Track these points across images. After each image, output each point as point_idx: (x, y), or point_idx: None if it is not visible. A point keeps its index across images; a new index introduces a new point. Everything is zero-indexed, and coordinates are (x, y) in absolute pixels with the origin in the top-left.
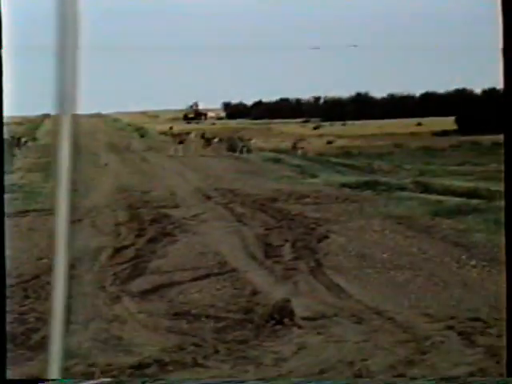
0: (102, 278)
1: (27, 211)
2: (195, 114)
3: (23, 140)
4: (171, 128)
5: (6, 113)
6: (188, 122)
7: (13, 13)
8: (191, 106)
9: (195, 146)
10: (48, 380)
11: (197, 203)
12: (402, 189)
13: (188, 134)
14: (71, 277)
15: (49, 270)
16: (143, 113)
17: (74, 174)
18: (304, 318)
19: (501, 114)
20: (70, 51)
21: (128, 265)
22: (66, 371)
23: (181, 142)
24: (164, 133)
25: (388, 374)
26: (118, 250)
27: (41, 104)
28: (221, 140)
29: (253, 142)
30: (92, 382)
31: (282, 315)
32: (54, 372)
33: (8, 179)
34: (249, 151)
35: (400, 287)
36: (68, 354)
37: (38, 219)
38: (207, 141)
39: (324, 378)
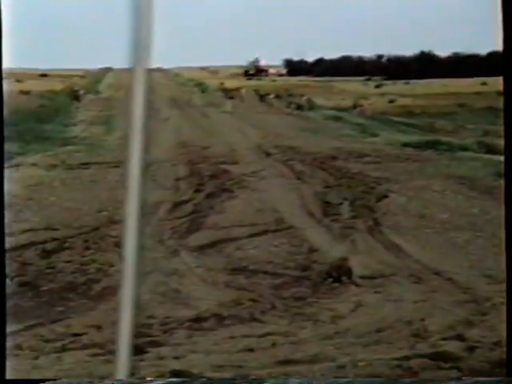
0: (161, 231)
1: (89, 163)
2: (256, 71)
3: (81, 92)
4: (222, 84)
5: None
6: (249, 79)
7: None
8: (252, 63)
9: (249, 102)
10: (48, 380)
11: (256, 160)
12: (465, 149)
13: (239, 89)
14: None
15: (109, 222)
16: (204, 68)
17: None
18: (362, 277)
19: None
20: (146, 4)
21: (186, 219)
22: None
23: (231, 98)
24: (224, 89)
25: (446, 334)
26: (176, 205)
27: (103, 57)
28: (277, 96)
29: (305, 98)
30: (159, 381)
31: (339, 273)
32: (123, 320)
33: (70, 131)
34: (301, 108)
35: (460, 248)
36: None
37: (99, 172)
38: (261, 97)
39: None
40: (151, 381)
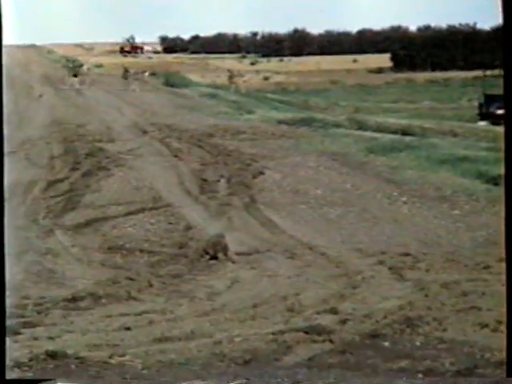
0: (36, 211)
1: None
2: (131, 48)
3: None
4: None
5: None
6: (124, 56)
7: None
8: (128, 40)
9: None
10: (48, 380)
11: (133, 138)
12: (338, 126)
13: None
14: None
15: None
16: (79, 45)
17: (8, 105)
18: (238, 253)
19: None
20: None
21: (61, 198)
22: None
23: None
24: (99, 66)
25: (319, 307)
26: (51, 184)
27: None
28: (153, 74)
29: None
30: None
31: (215, 250)
32: None
33: None
34: (175, 85)
35: (332, 223)
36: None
37: None
38: (135, 74)
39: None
40: None
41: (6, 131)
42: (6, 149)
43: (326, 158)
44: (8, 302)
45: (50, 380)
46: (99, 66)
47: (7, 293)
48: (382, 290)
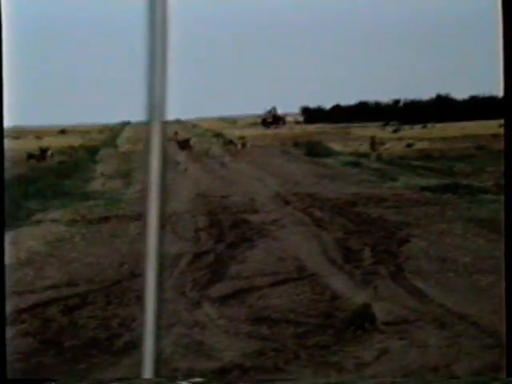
0: (183, 283)
1: (108, 217)
2: (273, 119)
3: (100, 147)
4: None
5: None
6: (267, 127)
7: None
8: (269, 111)
9: (269, 150)
10: (49, 380)
11: (276, 208)
12: (485, 192)
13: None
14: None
15: (130, 275)
16: (222, 118)
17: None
18: (385, 323)
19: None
20: (161, 58)
21: (207, 270)
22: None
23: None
24: (242, 138)
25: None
26: (197, 256)
27: (121, 112)
28: (296, 144)
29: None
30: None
31: (362, 320)
32: (145, 375)
33: (89, 186)
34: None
35: (483, 291)
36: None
37: (119, 225)
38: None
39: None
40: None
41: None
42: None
43: (474, 224)
44: (158, 374)
45: (50, 380)
46: (242, 138)
47: (157, 365)
48: None
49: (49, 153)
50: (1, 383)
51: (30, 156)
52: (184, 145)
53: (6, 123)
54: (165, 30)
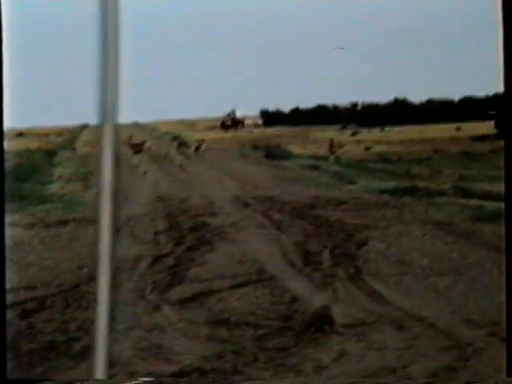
0: (142, 286)
1: (67, 221)
2: (233, 122)
3: (57, 150)
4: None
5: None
6: (225, 130)
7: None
8: (229, 114)
9: (226, 153)
10: (49, 380)
11: (235, 211)
12: (442, 194)
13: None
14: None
15: (89, 279)
16: (181, 121)
17: (115, 183)
18: (344, 326)
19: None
20: (112, 60)
21: (167, 273)
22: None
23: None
24: (201, 140)
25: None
26: (156, 259)
27: (79, 114)
28: (254, 147)
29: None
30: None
31: (321, 322)
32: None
33: (48, 189)
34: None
35: (441, 293)
36: (110, 363)
37: (77, 228)
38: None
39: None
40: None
41: (111, 208)
42: (110, 226)
43: (431, 226)
44: (118, 378)
45: (50, 380)
46: (201, 140)
47: (115, 368)
48: (494, 363)
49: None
50: (1, 383)
51: None
52: (138, 148)
53: None
54: (117, 31)
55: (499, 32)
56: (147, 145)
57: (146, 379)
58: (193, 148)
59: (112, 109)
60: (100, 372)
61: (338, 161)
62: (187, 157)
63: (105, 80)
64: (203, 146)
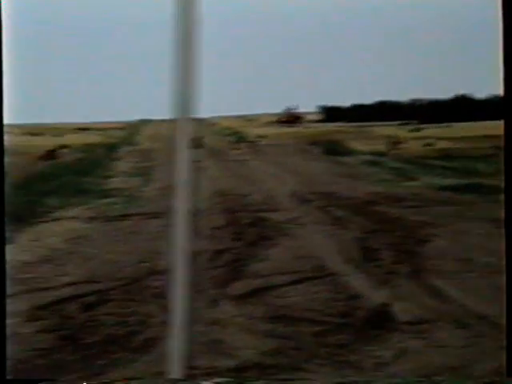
0: (201, 281)
1: (128, 215)
2: (291, 118)
3: (120, 144)
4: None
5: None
6: (285, 126)
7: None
8: (288, 110)
9: (285, 149)
10: (49, 380)
11: (294, 207)
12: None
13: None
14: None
15: (149, 273)
16: (241, 117)
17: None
18: (405, 323)
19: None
20: (192, 57)
21: (226, 268)
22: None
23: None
24: (261, 136)
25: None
26: (216, 254)
27: (141, 110)
28: (314, 143)
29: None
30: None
31: (382, 319)
32: (172, 372)
33: (109, 183)
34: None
35: (504, 291)
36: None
37: (138, 223)
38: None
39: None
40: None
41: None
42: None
43: (495, 224)
44: (177, 372)
45: (50, 380)
46: (262, 136)
47: (176, 363)
48: None
49: (64, 150)
50: (1, 383)
51: (47, 153)
52: (196, 143)
53: (23, 120)
54: (190, 28)
55: None
56: (205, 139)
57: (220, 380)
58: (257, 143)
59: (189, 103)
60: (173, 366)
61: (398, 157)
62: (247, 152)
63: (184, 76)
64: (262, 142)
